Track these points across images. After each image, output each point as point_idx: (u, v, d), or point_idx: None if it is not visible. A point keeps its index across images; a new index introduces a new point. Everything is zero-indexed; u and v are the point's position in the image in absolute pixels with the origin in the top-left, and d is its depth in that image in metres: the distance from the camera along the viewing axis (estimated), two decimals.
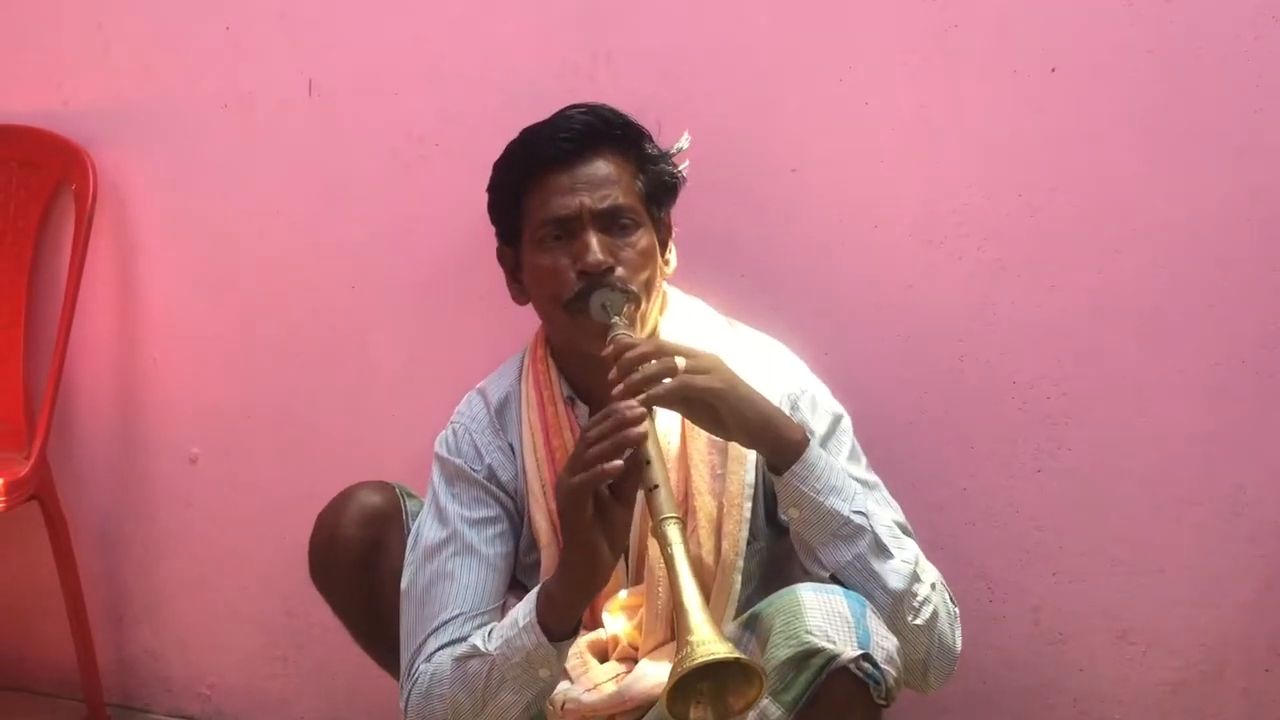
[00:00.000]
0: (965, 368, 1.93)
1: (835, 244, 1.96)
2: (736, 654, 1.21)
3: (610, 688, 1.57)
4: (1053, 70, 1.82)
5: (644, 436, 1.38)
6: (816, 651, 1.34)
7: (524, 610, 1.47)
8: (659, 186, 1.66)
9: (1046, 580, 1.96)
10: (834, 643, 1.34)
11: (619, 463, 1.36)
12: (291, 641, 2.39)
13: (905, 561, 1.48)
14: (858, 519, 1.47)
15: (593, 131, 1.61)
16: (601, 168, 1.60)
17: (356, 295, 2.23)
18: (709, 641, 1.21)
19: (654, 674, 1.55)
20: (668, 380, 1.44)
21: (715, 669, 1.21)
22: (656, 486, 1.36)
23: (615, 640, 1.62)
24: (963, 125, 1.88)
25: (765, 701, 1.35)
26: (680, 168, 1.70)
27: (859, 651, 1.34)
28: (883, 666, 1.35)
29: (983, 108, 1.87)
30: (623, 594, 1.62)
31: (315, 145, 2.21)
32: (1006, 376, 1.92)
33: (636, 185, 1.62)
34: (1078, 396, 1.90)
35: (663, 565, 1.40)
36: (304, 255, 2.26)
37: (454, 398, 1.77)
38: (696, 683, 1.25)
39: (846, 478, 1.50)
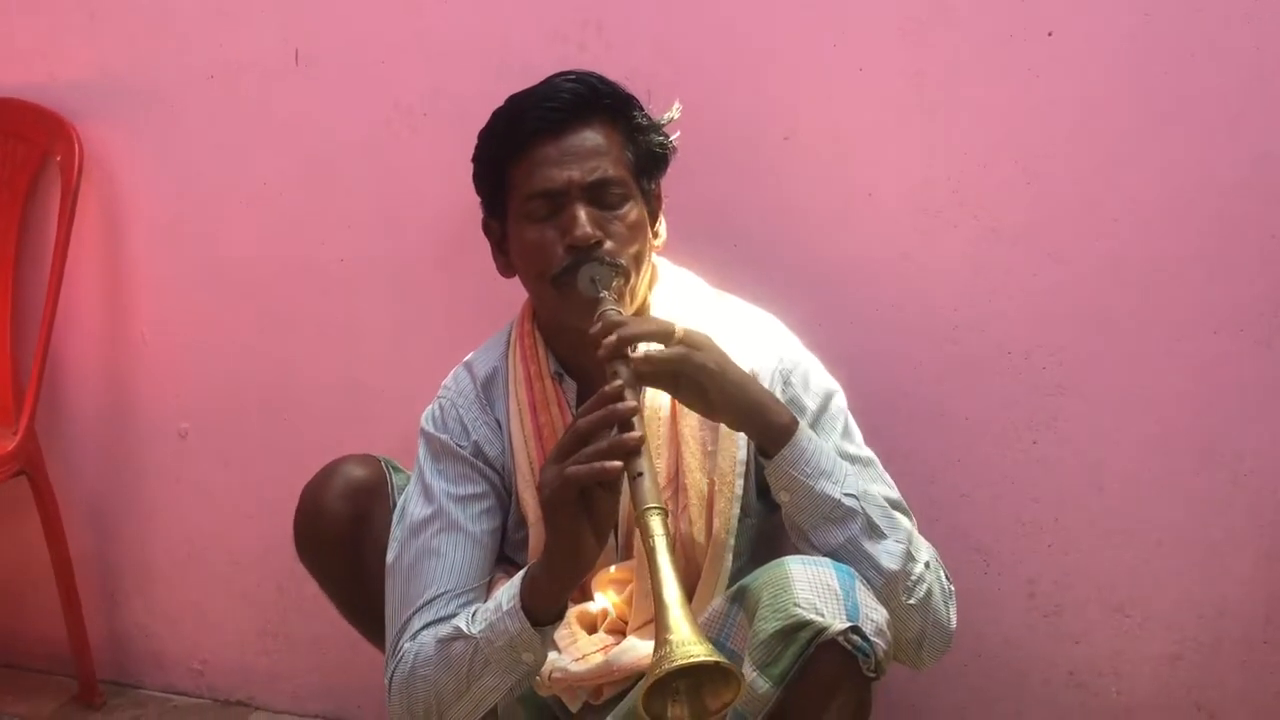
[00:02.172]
0: (960, 337, 1.91)
1: (828, 213, 1.94)
2: (715, 657, 1.19)
3: (598, 658, 1.56)
4: (1049, 34, 1.79)
5: (640, 442, 1.34)
6: (804, 624, 1.32)
7: (508, 594, 1.45)
8: (649, 157, 1.63)
9: (1042, 552, 1.95)
10: (822, 615, 1.33)
11: (618, 464, 1.33)
12: (283, 617, 2.39)
13: (898, 542, 1.46)
14: (849, 502, 1.45)
15: (581, 101, 1.57)
16: (590, 138, 1.56)
17: (345, 268, 2.21)
18: (687, 642, 1.18)
19: (642, 647, 1.54)
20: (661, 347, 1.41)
21: (693, 668, 1.19)
22: (641, 474, 1.33)
23: (604, 613, 1.61)
24: (958, 91, 1.85)
25: (753, 674, 1.34)
26: (671, 138, 1.67)
27: (848, 624, 1.33)
28: (872, 639, 1.34)
29: (978, 73, 1.84)
30: (612, 568, 1.61)
31: (302, 116, 2.19)
32: (1002, 346, 1.90)
33: (626, 156, 1.59)
34: (1075, 366, 1.88)
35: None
36: (292, 227, 2.23)
37: (442, 371, 1.76)
38: (674, 680, 1.22)
39: (837, 460, 1.48)
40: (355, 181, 2.18)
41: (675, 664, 1.17)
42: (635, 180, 1.60)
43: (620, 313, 1.49)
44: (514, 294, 1.70)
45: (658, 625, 1.21)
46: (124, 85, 2.30)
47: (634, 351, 1.42)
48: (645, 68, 1.86)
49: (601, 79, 1.61)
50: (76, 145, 2.28)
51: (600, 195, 1.56)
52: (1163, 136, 1.79)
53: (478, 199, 1.67)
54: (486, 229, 1.67)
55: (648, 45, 1.96)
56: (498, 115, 1.62)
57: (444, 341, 1.99)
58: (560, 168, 1.54)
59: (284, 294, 2.26)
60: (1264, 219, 1.78)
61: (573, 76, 1.60)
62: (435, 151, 2.08)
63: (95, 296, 2.39)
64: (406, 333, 2.19)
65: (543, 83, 1.61)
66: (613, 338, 1.39)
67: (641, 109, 1.63)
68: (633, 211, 1.58)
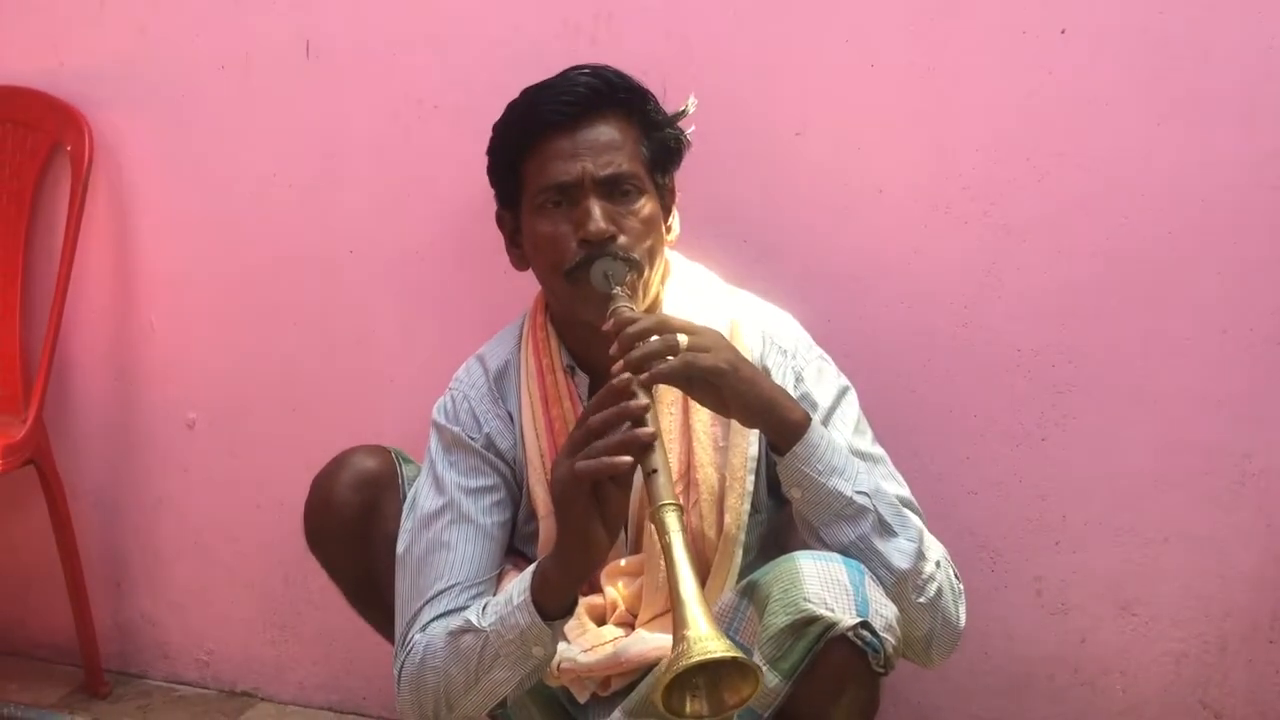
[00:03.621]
0: (970, 334, 1.91)
1: (839, 209, 1.93)
2: (733, 652, 1.18)
3: (607, 650, 1.56)
4: (1062, 32, 1.79)
5: (653, 438, 1.34)
6: (814, 619, 1.33)
7: (519, 588, 1.45)
8: (663, 151, 1.63)
9: (1050, 550, 1.95)
10: (832, 611, 1.33)
11: (628, 459, 1.33)
12: (290, 608, 2.39)
13: (909, 540, 1.46)
14: (860, 499, 1.44)
15: (596, 94, 1.57)
16: (605, 132, 1.56)
17: (355, 259, 2.21)
18: (706, 638, 1.18)
19: (651, 639, 1.54)
20: (670, 358, 1.40)
21: (711, 664, 1.18)
22: (655, 471, 1.32)
23: (614, 605, 1.61)
24: (970, 88, 1.85)
25: (763, 669, 1.33)
26: (686, 132, 1.66)
27: (857, 619, 1.33)
28: (881, 634, 1.34)
29: (991, 70, 1.84)
30: (622, 561, 1.61)
31: (313, 107, 2.19)
32: (1012, 344, 1.90)
33: (640, 150, 1.59)
34: (1084, 364, 1.88)
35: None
36: (302, 219, 2.23)
37: (453, 363, 1.76)
38: (692, 676, 1.22)
39: (849, 457, 1.47)
40: (366, 173, 2.17)
41: (693, 660, 1.17)
42: (649, 174, 1.60)
43: (632, 309, 1.48)
44: (526, 286, 1.70)
45: (675, 621, 1.21)
46: (135, 75, 2.29)
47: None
48: (657, 60, 1.86)
49: (617, 72, 1.61)
50: (87, 135, 2.28)
51: (614, 189, 1.55)
52: (1174, 134, 1.79)
53: (489, 191, 1.67)
54: (500, 221, 1.67)
55: (658, 39, 1.95)
56: (512, 108, 1.62)
57: (454, 333, 1.99)
58: (574, 161, 1.54)
59: (293, 285, 2.26)
60: (1275, 217, 1.77)
61: (588, 70, 1.60)
62: (446, 143, 2.08)
63: (104, 286, 2.38)
64: (416, 324, 2.19)
65: (558, 75, 1.61)
66: (621, 364, 1.38)
67: (656, 103, 1.63)
68: (646, 206, 1.57)
